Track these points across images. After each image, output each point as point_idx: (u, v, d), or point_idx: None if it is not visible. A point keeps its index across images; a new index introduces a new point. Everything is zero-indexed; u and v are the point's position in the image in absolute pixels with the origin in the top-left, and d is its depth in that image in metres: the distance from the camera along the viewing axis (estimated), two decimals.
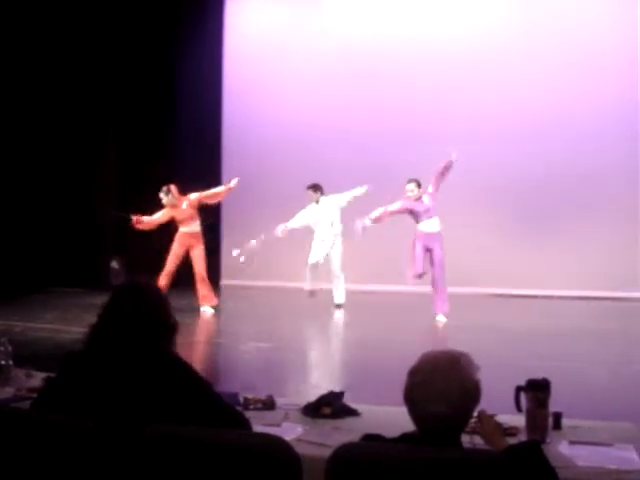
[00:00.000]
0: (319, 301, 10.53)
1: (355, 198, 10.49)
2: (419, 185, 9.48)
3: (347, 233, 10.12)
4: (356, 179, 10.96)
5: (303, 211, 10.62)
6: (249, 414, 2.96)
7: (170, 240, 10.47)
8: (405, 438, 2.34)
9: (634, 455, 2.72)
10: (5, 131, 12.15)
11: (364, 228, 9.49)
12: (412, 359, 2.35)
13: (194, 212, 10.33)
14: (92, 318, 2.74)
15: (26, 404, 3.08)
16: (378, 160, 12.34)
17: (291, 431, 3.00)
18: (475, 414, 2.43)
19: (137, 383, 2.56)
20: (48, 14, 12.35)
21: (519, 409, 2.96)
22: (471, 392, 2.28)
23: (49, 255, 12.66)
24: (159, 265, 10.32)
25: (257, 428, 2.78)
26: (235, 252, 10.85)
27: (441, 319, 9.39)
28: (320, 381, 6.48)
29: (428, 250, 9.45)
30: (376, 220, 9.51)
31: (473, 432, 2.68)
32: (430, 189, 9.49)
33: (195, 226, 10.36)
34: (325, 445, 2.73)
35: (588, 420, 3.21)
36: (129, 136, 13.44)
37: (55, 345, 7.71)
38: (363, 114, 12.64)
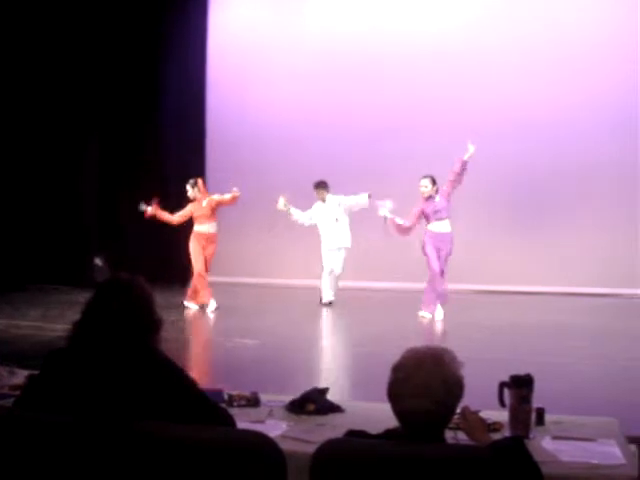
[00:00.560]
0: (309, 299, 10.53)
1: (358, 204, 10.46)
2: (434, 182, 9.34)
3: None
4: (341, 174, 10.94)
5: (310, 210, 10.66)
6: (233, 411, 2.96)
7: (155, 237, 10.42)
8: (389, 434, 2.34)
9: (616, 450, 2.74)
10: None
11: (385, 219, 9.48)
12: (398, 355, 2.36)
13: (211, 212, 10.38)
14: (75, 315, 2.73)
15: (9, 402, 3.06)
16: (363, 155, 12.35)
17: (275, 428, 3.00)
18: (459, 410, 2.44)
19: (121, 380, 2.54)
20: (33, 9, 12.26)
21: (503, 405, 2.98)
22: (454, 388, 2.29)
23: (32, 252, 12.57)
24: (143, 262, 10.27)
25: (241, 425, 2.77)
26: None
27: (425, 315, 9.39)
28: (305, 378, 6.46)
29: (437, 249, 9.34)
30: (399, 229, 9.47)
31: (457, 428, 2.69)
32: (445, 187, 9.35)
33: (211, 227, 10.43)
34: (309, 441, 2.74)
35: (571, 415, 3.23)
36: (112, 133, 13.37)
37: (38, 342, 7.64)
38: (347, 110, 12.61)
